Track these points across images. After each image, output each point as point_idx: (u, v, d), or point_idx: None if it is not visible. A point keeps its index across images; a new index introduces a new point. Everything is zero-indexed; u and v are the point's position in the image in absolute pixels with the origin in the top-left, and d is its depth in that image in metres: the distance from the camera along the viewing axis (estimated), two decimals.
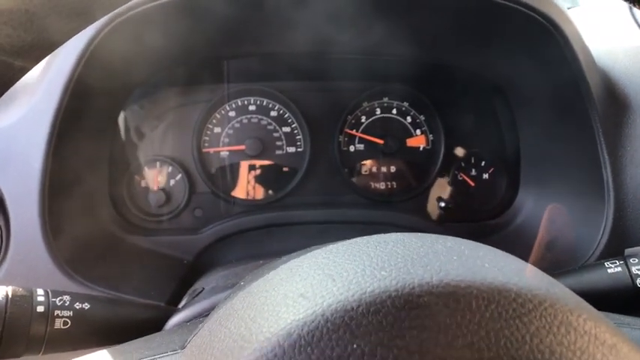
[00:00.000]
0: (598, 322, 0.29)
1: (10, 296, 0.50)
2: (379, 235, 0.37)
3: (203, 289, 0.66)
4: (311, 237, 0.96)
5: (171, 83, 0.96)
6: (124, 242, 0.90)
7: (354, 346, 0.26)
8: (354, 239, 0.37)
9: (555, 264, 0.79)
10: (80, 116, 0.77)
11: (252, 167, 1.01)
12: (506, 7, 0.75)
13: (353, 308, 0.27)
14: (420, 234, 0.37)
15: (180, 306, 0.67)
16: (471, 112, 1.06)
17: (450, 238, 0.35)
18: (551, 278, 0.34)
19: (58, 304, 0.52)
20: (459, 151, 1.05)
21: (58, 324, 0.52)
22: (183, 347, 0.39)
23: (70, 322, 0.52)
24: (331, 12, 0.80)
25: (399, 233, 0.37)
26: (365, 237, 0.36)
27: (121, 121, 0.91)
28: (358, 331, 0.26)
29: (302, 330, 0.27)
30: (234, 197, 0.99)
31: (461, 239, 0.35)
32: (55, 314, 0.52)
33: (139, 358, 0.39)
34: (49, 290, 0.52)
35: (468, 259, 0.31)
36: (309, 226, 0.97)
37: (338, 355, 0.26)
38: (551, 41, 0.77)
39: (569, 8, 0.95)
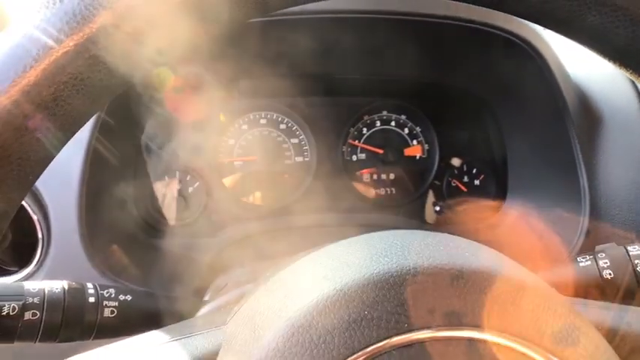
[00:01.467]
0: (571, 307, 0.38)
1: (66, 289, 0.58)
2: (381, 232, 0.46)
3: (227, 284, 0.75)
4: (317, 239, 1.05)
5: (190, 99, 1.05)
6: (148, 244, 0.99)
7: (366, 312, 0.35)
8: (362, 235, 0.46)
9: (536, 262, 0.88)
10: (112, 129, 0.87)
11: (263, 176, 1.10)
12: (488, 33, 0.85)
13: (364, 285, 0.36)
14: (414, 231, 0.46)
15: (205, 299, 0.76)
16: (463, 124, 1.15)
17: (437, 234, 0.44)
18: (524, 269, 0.43)
19: (106, 295, 0.61)
20: (455, 161, 1.15)
21: (107, 313, 0.60)
22: (224, 324, 0.48)
23: (116, 311, 0.61)
24: (337, 42, 0.90)
25: (396, 230, 0.46)
26: (370, 233, 0.45)
27: (144, 133, 1.01)
28: (369, 302, 0.35)
29: (327, 301, 0.36)
30: (247, 204, 1.08)
31: (446, 234, 0.45)
32: (104, 304, 0.60)
33: (184, 334, 0.48)
34: (96, 284, 0.61)
35: (452, 248, 0.41)
36: (316, 229, 1.06)
37: (354, 319, 0.35)
38: (530, 62, 0.87)
39: None
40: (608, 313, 0.50)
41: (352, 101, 1.12)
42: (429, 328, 0.35)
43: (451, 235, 0.44)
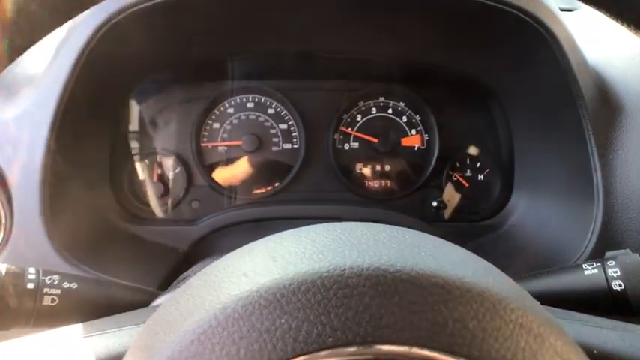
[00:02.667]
0: (526, 311, 0.30)
1: (2, 273, 0.53)
2: (334, 223, 0.38)
3: (188, 276, 0.69)
4: None
5: (173, 80, 0.99)
6: (122, 230, 0.94)
7: (282, 320, 0.28)
8: (310, 226, 0.39)
9: (542, 266, 0.80)
10: (82, 109, 0.81)
11: (248, 162, 1.03)
12: (496, 9, 0.76)
13: (285, 286, 0.29)
14: (371, 224, 0.38)
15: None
16: (466, 114, 1.06)
17: (399, 228, 0.37)
18: (498, 272, 0.35)
19: (48, 282, 0.56)
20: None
21: (47, 301, 0.55)
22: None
23: (57, 299, 0.56)
24: (326, 14, 0.82)
25: (353, 222, 0.39)
26: (320, 224, 0.38)
27: (123, 115, 0.95)
28: (287, 307, 0.28)
29: (237, 304, 0.29)
30: (230, 191, 1.02)
31: (411, 230, 0.37)
32: (44, 291, 0.55)
33: (105, 329, 0.42)
34: (40, 269, 0.56)
35: (407, 247, 0.33)
36: (302, 221, 0.99)
37: (266, 328, 0.28)
38: (542, 43, 0.77)
39: (566, 10, 0.95)
40: (605, 332, 0.42)
41: (346, 85, 1.04)
42: (359, 344, 0.28)
43: (414, 231, 0.36)
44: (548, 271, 0.69)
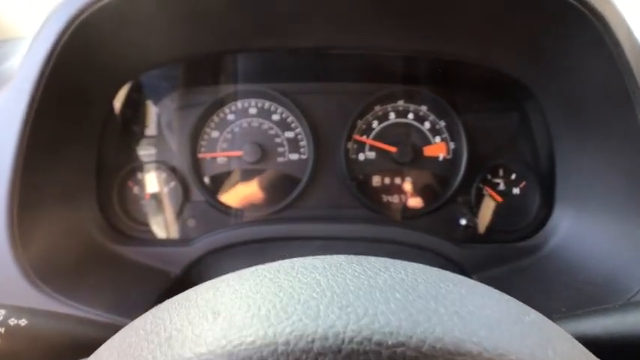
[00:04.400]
0: None
1: None
2: (311, 257, 0.27)
3: None
4: (312, 254, 0.87)
5: (167, 82, 0.90)
6: (108, 251, 0.84)
7: None
8: (279, 262, 0.28)
9: (593, 299, 0.65)
10: (60, 113, 0.72)
11: (250, 175, 0.93)
12: None
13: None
14: (370, 258, 0.27)
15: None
16: (499, 118, 0.93)
17: (404, 264, 0.25)
18: (551, 326, 0.23)
19: None
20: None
21: None
22: None
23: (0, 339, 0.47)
24: (338, 3, 0.71)
25: (338, 256, 0.27)
26: (287, 260, 0.26)
27: (110, 122, 0.86)
28: None
29: None
30: (229, 207, 0.91)
31: (421, 267, 0.25)
32: None
33: None
34: None
35: (418, 298, 0.21)
36: (311, 241, 0.87)
37: None
38: (589, 29, 0.64)
39: None
40: None
41: (360, 87, 0.92)
42: None
43: (427, 269, 0.25)
44: (606, 308, 0.55)
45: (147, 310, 0.71)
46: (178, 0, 0.67)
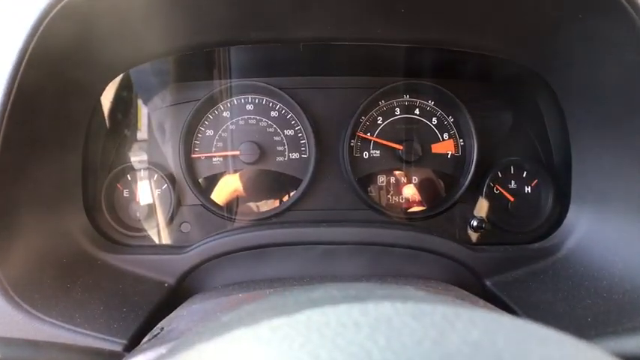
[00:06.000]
0: None
1: None
2: (354, 304, 0.22)
3: (162, 329, 0.52)
4: (315, 260, 0.81)
5: (158, 77, 0.83)
6: (96, 261, 0.77)
7: None
8: (311, 312, 0.22)
9: (621, 309, 0.61)
10: (38, 108, 0.66)
11: (248, 176, 0.87)
12: None
13: None
14: (419, 302, 0.22)
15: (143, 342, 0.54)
16: (510, 112, 0.88)
17: (466, 312, 0.19)
18: None
19: None
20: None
21: None
22: None
23: None
24: None
25: (389, 304, 0.21)
26: (332, 306, 0.21)
27: (96, 120, 0.79)
28: None
29: None
30: (226, 211, 0.85)
31: (486, 313, 0.19)
32: None
33: None
34: None
35: None
36: (314, 246, 0.82)
37: None
38: (618, 15, 0.59)
39: None
40: None
41: (364, 82, 0.87)
42: None
43: (508, 322, 0.19)
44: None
45: (138, 328, 0.65)
46: None
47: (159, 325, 0.58)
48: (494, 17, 0.70)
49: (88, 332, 0.61)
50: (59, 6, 0.57)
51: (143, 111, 0.86)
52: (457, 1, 0.65)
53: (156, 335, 0.52)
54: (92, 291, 0.72)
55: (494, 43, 0.74)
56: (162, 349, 0.42)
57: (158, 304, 0.73)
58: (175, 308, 0.73)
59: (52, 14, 0.57)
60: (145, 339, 0.56)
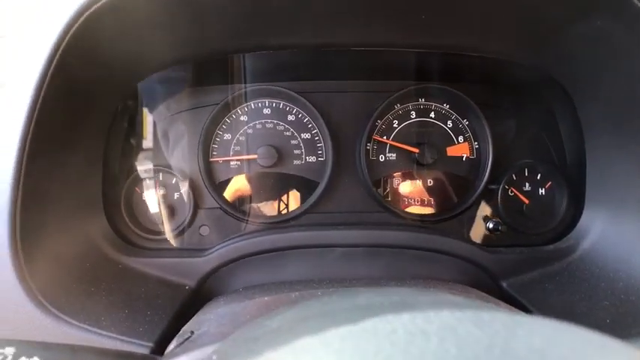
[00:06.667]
0: None
1: None
2: (417, 312, 0.22)
3: (192, 333, 0.53)
4: (333, 262, 0.82)
5: (175, 83, 0.84)
6: (117, 264, 0.78)
7: None
8: (376, 320, 0.23)
9: (637, 306, 0.62)
10: (62, 115, 0.66)
11: (266, 179, 0.88)
12: None
13: None
14: (478, 308, 0.22)
15: (167, 351, 0.55)
16: (525, 115, 0.89)
17: (526, 320, 0.20)
18: None
19: None
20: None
21: None
22: None
23: None
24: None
25: (448, 312, 0.22)
26: (393, 314, 0.22)
27: (116, 125, 0.80)
28: None
29: None
30: (244, 214, 0.86)
31: (545, 321, 0.20)
32: None
33: None
34: None
35: None
36: (331, 249, 0.83)
37: None
38: (631, 18, 0.60)
39: None
40: None
41: (379, 86, 0.88)
42: None
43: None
44: None
45: (164, 331, 0.66)
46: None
47: (186, 329, 0.59)
48: (510, 22, 0.70)
49: (115, 335, 0.62)
50: (81, 19, 0.58)
51: (161, 115, 0.86)
52: (475, 7, 0.65)
53: (187, 339, 0.53)
54: (115, 294, 0.73)
55: (509, 47, 0.75)
56: (204, 353, 0.43)
57: (180, 306, 0.74)
58: (197, 310, 0.74)
59: (75, 27, 0.58)
60: (174, 343, 0.57)
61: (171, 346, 0.57)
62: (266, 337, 0.29)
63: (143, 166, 0.86)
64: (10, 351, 0.43)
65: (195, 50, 0.77)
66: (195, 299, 0.78)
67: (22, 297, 0.61)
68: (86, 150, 0.76)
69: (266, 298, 0.64)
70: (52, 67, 0.59)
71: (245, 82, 0.86)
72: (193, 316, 0.72)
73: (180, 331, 0.62)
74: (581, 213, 0.85)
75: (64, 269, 0.69)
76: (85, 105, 0.71)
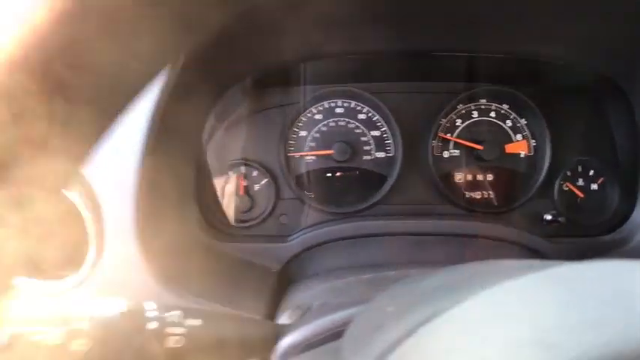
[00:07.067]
0: None
1: (122, 312, 0.46)
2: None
3: (311, 306, 0.61)
4: (402, 250, 0.90)
5: (257, 86, 0.92)
6: (212, 249, 0.87)
7: None
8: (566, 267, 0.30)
9: None
10: (171, 120, 0.75)
11: (340, 173, 0.95)
12: None
13: None
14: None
15: (287, 322, 0.63)
16: (581, 114, 0.95)
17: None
18: None
19: (169, 320, 0.49)
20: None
21: (171, 342, 0.48)
22: None
23: (183, 339, 0.49)
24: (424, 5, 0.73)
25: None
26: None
27: (207, 124, 0.88)
28: None
29: None
30: (320, 204, 0.94)
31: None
32: (168, 332, 0.48)
33: None
34: (157, 304, 0.49)
35: None
36: (400, 237, 0.90)
37: None
38: None
39: None
40: None
41: (444, 87, 0.95)
42: None
43: None
44: None
45: (267, 307, 0.73)
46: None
47: (298, 304, 0.67)
48: (591, 35, 0.76)
49: (237, 313, 0.70)
50: None
51: (244, 114, 0.94)
52: (563, 25, 0.71)
53: (307, 311, 0.61)
54: (216, 276, 0.81)
55: (582, 57, 0.81)
56: (335, 316, 0.50)
57: (271, 287, 0.82)
58: (283, 291, 0.82)
59: None
60: (290, 315, 0.64)
61: (288, 319, 0.64)
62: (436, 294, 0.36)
63: (227, 161, 0.94)
64: (177, 313, 0.50)
65: (292, 55, 0.84)
66: (281, 281, 0.86)
67: (148, 276, 0.69)
68: (183, 145, 0.84)
69: (365, 276, 0.71)
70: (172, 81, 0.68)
71: (320, 84, 0.93)
72: (284, 293, 0.80)
73: (286, 305, 0.69)
74: (633, 207, 0.91)
75: (173, 253, 0.77)
76: (183, 111, 0.79)
